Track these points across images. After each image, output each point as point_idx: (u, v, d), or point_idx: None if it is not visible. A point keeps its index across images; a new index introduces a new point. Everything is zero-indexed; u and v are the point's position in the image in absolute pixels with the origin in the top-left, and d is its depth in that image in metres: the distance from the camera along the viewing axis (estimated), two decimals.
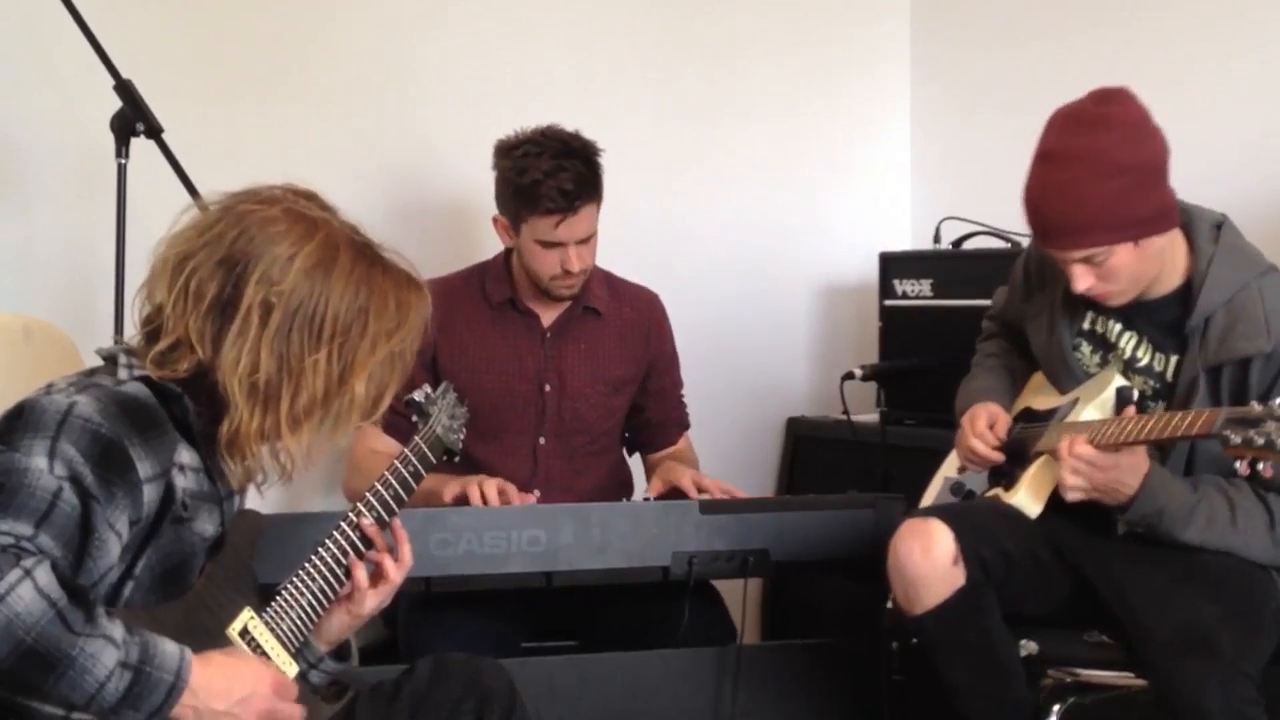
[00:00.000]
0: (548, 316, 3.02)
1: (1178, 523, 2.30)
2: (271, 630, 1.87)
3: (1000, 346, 2.75)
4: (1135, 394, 2.42)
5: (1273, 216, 3.02)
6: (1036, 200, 2.34)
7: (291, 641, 1.90)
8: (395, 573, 2.03)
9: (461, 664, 2.05)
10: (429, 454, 2.17)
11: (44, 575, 1.57)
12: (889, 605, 2.48)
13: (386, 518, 2.04)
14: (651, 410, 3.14)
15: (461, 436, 2.33)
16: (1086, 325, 2.52)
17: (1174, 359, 2.41)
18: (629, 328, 3.08)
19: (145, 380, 1.80)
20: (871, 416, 3.55)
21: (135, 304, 1.87)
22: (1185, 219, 2.40)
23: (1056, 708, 2.46)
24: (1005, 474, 2.55)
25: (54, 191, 3.20)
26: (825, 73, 4.01)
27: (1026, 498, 2.45)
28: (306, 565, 1.95)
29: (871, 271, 3.68)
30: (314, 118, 3.41)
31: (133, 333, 1.88)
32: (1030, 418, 2.59)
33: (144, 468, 1.72)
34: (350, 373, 1.82)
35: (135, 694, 1.61)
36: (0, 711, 1.64)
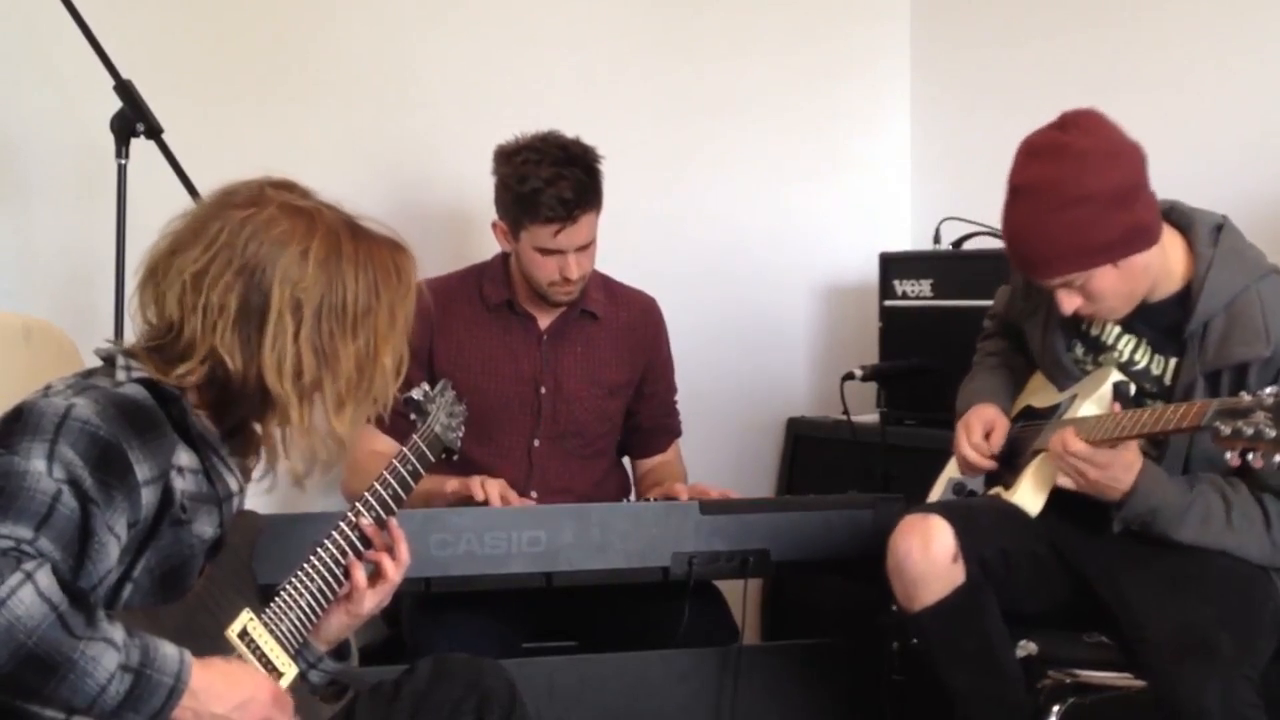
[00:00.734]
0: (544, 319, 3.02)
1: (1172, 521, 2.30)
2: (270, 631, 1.87)
3: (1000, 346, 2.75)
4: (1132, 388, 2.42)
5: (1273, 216, 3.02)
6: (1008, 234, 2.37)
7: (291, 642, 1.90)
8: (394, 572, 2.04)
9: (462, 664, 2.05)
10: (428, 453, 2.17)
11: (45, 578, 1.57)
12: (894, 608, 2.48)
13: (385, 517, 2.04)
14: (644, 415, 3.13)
15: (460, 435, 2.33)
16: (1082, 327, 2.52)
17: (1172, 362, 2.41)
18: (626, 332, 3.08)
19: (143, 382, 1.80)
20: (871, 417, 3.55)
21: (133, 313, 1.87)
22: (1185, 222, 2.40)
23: (1056, 708, 2.46)
24: (1005, 473, 2.55)
25: (54, 191, 3.20)
26: (825, 72, 4.01)
27: (1026, 496, 2.45)
28: (305, 566, 1.95)
29: (871, 272, 3.68)
30: (314, 118, 3.41)
31: (132, 337, 1.88)
32: (1031, 415, 2.59)
33: (142, 470, 1.72)
34: (378, 346, 1.87)
35: (135, 697, 1.61)
36: None
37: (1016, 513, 2.45)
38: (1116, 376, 2.44)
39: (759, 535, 2.72)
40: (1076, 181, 2.26)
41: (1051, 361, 2.54)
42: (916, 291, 3.54)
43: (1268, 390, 2.05)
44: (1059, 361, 2.53)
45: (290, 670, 1.87)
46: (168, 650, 1.65)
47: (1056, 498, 2.43)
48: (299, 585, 1.93)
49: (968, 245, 3.52)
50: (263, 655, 1.84)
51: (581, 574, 2.63)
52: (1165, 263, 2.38)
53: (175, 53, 3.26)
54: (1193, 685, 2.14)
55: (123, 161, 2.84)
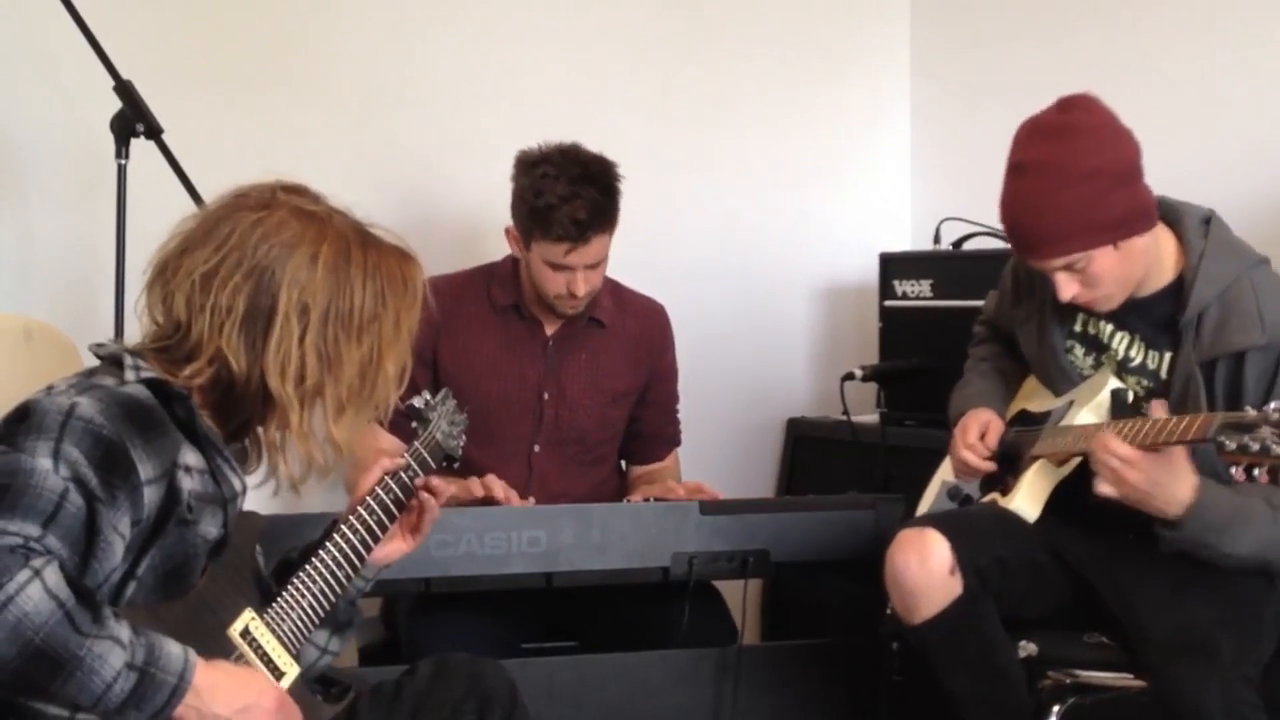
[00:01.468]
0: (551, 325, 3.01)
1: (1227, 533, 2.22)
2: (272, 631, 1.87)
3: (992, 350, 2.75)
4: (1131, 396, 2.42)
5: (1270, 216, 3.02)
6: (1010, 214, 2.35)
7: (293, 642, 1.90)
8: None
9: (462, 664, 2.05)
10: (429, 459, 2.17)
11: (53, 576, 1.57)
12: (889, 611, 2.48)
13: (387, 521, 2.05)
14: (645, 423, 3.13)
15: (461, 443, 2.33)
16: (1078, 327, 2.52)
17: (1167, 355, 2.41)
18: (632, 340, 3.07)
19: (150, 381, 1.80)
20: (871, 417, 3.55)
21: (140, 314, 1.87)
22: (1173, 215, 2.40)
23: (1056, 709, 2.46)
24: (1001, 479, 2.54)
25: (54, 191, 3.20)
26: (825, 73, 4.01)
27: (1024, 502, 2.45)
28: (307, 566, 1.95)
29: (871, 272, 3.68)
30: (314, 118, 3.41)
31: (136, 339, 1.88)
32: (1025, 421, 2.59)
33: (145, 469, 1.73)
34: (381, 354, 1.88)
35: (140, 695, 1.61)
36: (1, 712, 1.63)
37: (1014, 519, 2.44)
38: (1115, 384, 2.43)
39: (759, 535, 2.72)
40: (1082, 159, 2.27)
41: (1050, 364, 2.54)
42: (916, 291, 3.54)
43: (1273, 405, 2.03)
44: (1058, 363, 2.52)
45: (292, 670, 1.87)
46: (172, 649, 1.65)
47: (1056, 499, 2.43)
48: (301, 586, 1.93)
49: (968, 245, 3.52)
50: (265, 655, 1.84)
51: (581, 574, 2.64)
52: (1157, 254, 2.38)
53: (175, 53, 3.26)
54: (1193, 685, 2.14)
55: (123, 162, 2.84)
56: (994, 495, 2.54)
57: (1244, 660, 2.19)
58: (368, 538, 2.01)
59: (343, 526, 2.00)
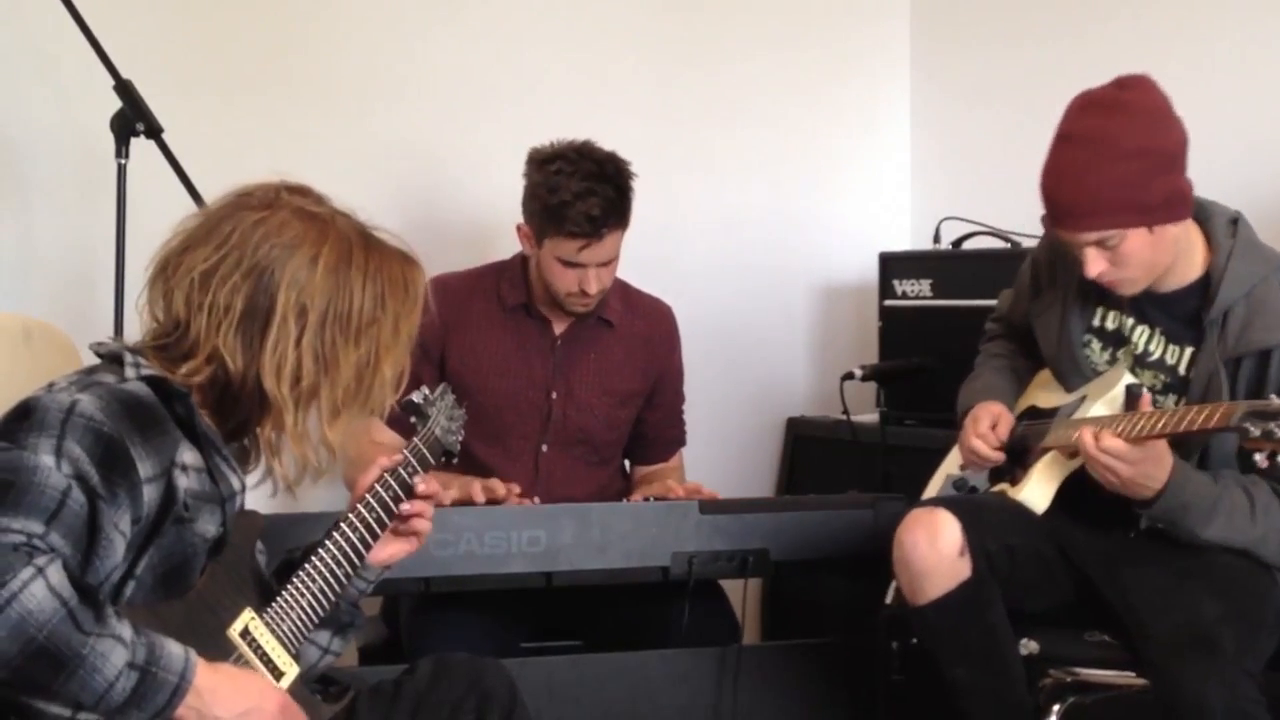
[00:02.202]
0: (560, 325, 3.01)
1: (1201, 518, 2.29)
2: (272, 631, 1.87)
3: (1004, 347, 2.75)
4: (1144, 390, 2.41)
5: (1270, 217, 3.02)
6: (1051, 181, 2.34)
7: (293, 642, 1.90)
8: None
9: (462, 664, 2.05)
10: (428, 455, 2.17)
11: (56, 574, 1.57)
12: (887, 602, 2.48)
13: (386, 519, 2.05)
14: (651, 424, 3.13)
15: (459, 438, 2.33)
16: (1096, 321, 2.52)
17: (1189, 351, 2.41)
18: (640, 341, 3.07)
19: (149, 379, 1.80)
20: (871, 416, 3.55)
21: (140, 314, 1.87)
22: (1202, 213, 2.41)
23: (1056, 707, 2.46)
24: (1009, 471, 2.55)
25: (54, 191, 3.20)
26: (825, 72, 4.01)
27: (1033, 494, 2.45)
28: (307, 566, 1.95)
29: (871, 271, 3.68)
30: (314, 118, 3.41)
31: (136, 338, 1.88)
32: (1035, 415, 2.59)
33: (145, 468, 1.73)
34: (379, 357, 1.87)
35: (141, 694, 1.61)
36: (1, 710, 1.63)
37: (1023, 510, 2.44)
38: (1129, 379, 2.43)
39: (759, 535, 2.72)
40: (1131, 137, 2.27)
41: (1067, 357, 2.53)
42: (916, 291, 3.54)
43: None
44: (1073, 356, 2.52)
45: (291, 670, 1.86)
46: (174, 649, 1.65)
47: (1063, 496, 2.43)
48: (301, 585, 1.93)
49: (967, 245, 3.52)
50: (264, 655, 1.84)
51: (581, 574, 2.64)
52: (1186, 247, 2.38)
53: (175, 53, 3.26)
54: (1195, 682, 2.14)
55: (123, 161, 2.84)
56: (1003, 486, 2.54)
57: (1246, 657, 2.19)
58: (366, 535, 2.01)
59: (342, 525, 1.99)
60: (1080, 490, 2.39)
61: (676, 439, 3.18)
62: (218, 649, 1.78)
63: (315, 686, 2.03)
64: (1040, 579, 2.44)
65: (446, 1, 3.60)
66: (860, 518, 2.76)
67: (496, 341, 2.99)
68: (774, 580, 3.55)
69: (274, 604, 1.90)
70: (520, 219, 2.93)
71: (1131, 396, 2.39)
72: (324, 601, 1.95)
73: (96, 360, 1.87)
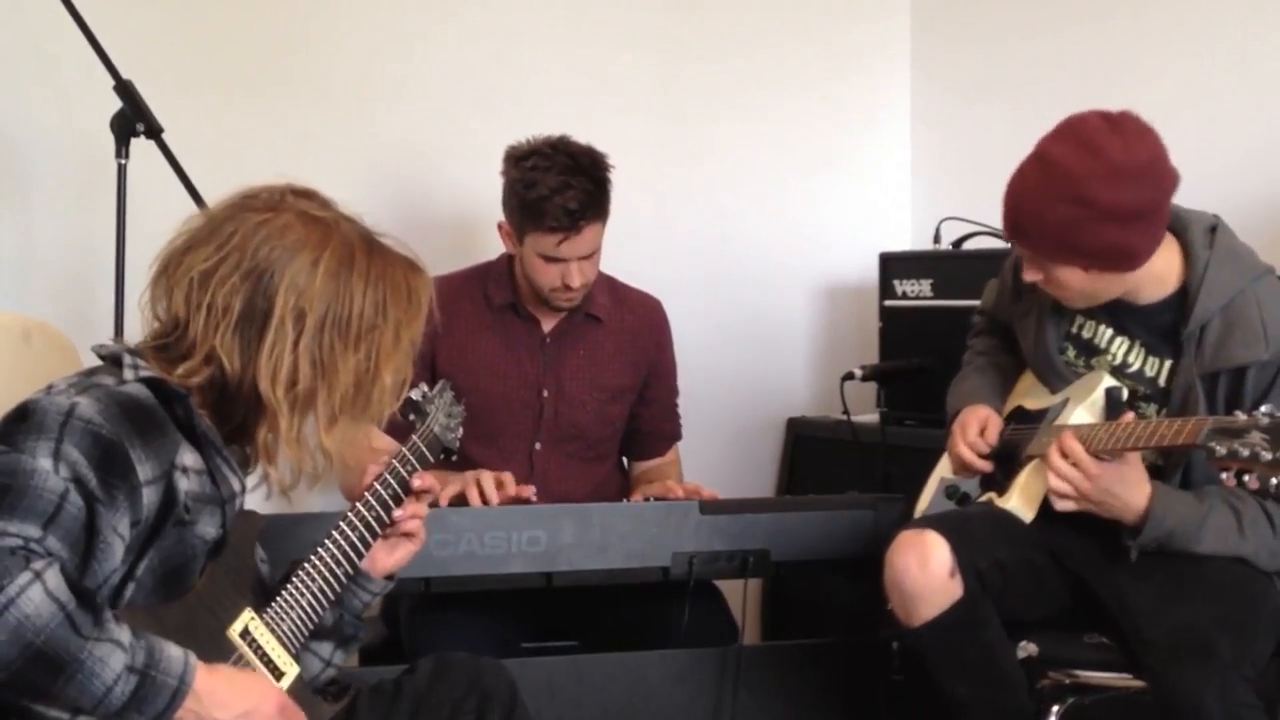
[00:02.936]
0: (548, 322, 3.01)
1: (1189, 540, 2.30)
2: (272, 631, 1.87)
3: (990, 344, 2.75)
4: (1125, 393, 2.41)
5: (1269, 218, 3.02)
6: (1010, 190, 2.36)
7: (292, 642, 1.90)
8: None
9: (462, 664, 2.05)
10: (427, 453, 2.17)
11: (54, 578, 1.57)
12: (889, 607, 2.48)
13: (386, 517, 2.05)
14: (645, 419, 3.13)
15: (459, 435, 2.33)
16: (1074, 330, 2.52)
17: (1168, 364, 2.41)
18: (630, 336, 3.07)
19: (149, 381, 1.80)
20: (871, 417, 3.55)
21: (142, 313, 1.87)
22: (1179, 224, 2.40)
23: (1055, 709, 2.46)
24: (998, 477, 2.54)
25: (54, 191, 3.20)
26: (825, 71, 4.01)
27: (1019, 504, 2.45)
28: (306, 565, 1.95)
29: (871, 271, 3.68)
30: (314, 118, 3.41)
31: (136, 338, 1.88)
32: (1022, 417, 2.58)
33: (144, 470, 1.72)
34: (379, 364, 1.87)
35: (140, 698, 1.61)
36: (1, 713, 1.63)
37: (1011, 520, 2.44)
38: (1109, 381, 2.43)
39: (759, 535, 2.72)
40: (1090, 184, 2.25)
41: (1044, 363, 2.54)
42: (916, 291, 3.54)
43: (1263, 410, 2.04)
44: (1051, 363, 2.53)
45: (292, 670, 1.87)
46: (173, 652, 1.65)
47: (1051, 503, 2.42)
48: (300, 585, 1.93)
49: (968, 245, 3.52)
50: (264, 655, 1.84)
51: (581, 574, 2.63)
52: (1151, 272, 2.37)
53: (175, 53, 3.26)
54: (1192, 686, 2.14)
55: (123, 161, 2.84)
56: (990, 495, 2.54)
57: (1242, 660, 2.18)
58: (366, 534, 2.01)
59: (341, 524, 2.00)
60: (1085, 514, 2.38)
61: (672, 433, 3.18)
62: (218, 649, 1.78)
63: (315, 685, 2.03)
64: (1034, 588, 2.44)
65: (446, 1, 3.60)
66: (860, 518, 2.76)
67: (485, 342, 2.99)
68: (774, 580, 3.55)
69: (274, 604, 1.90)
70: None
71: (1111, 400, 2.39)
72: (324, 601, 1.95)
73: (97, 361, 1.87)
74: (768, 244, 3.95)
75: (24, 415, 1.70)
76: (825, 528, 2.75)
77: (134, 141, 2.84)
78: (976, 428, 2.54)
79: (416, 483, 2.10)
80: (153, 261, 1.87)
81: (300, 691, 1.88)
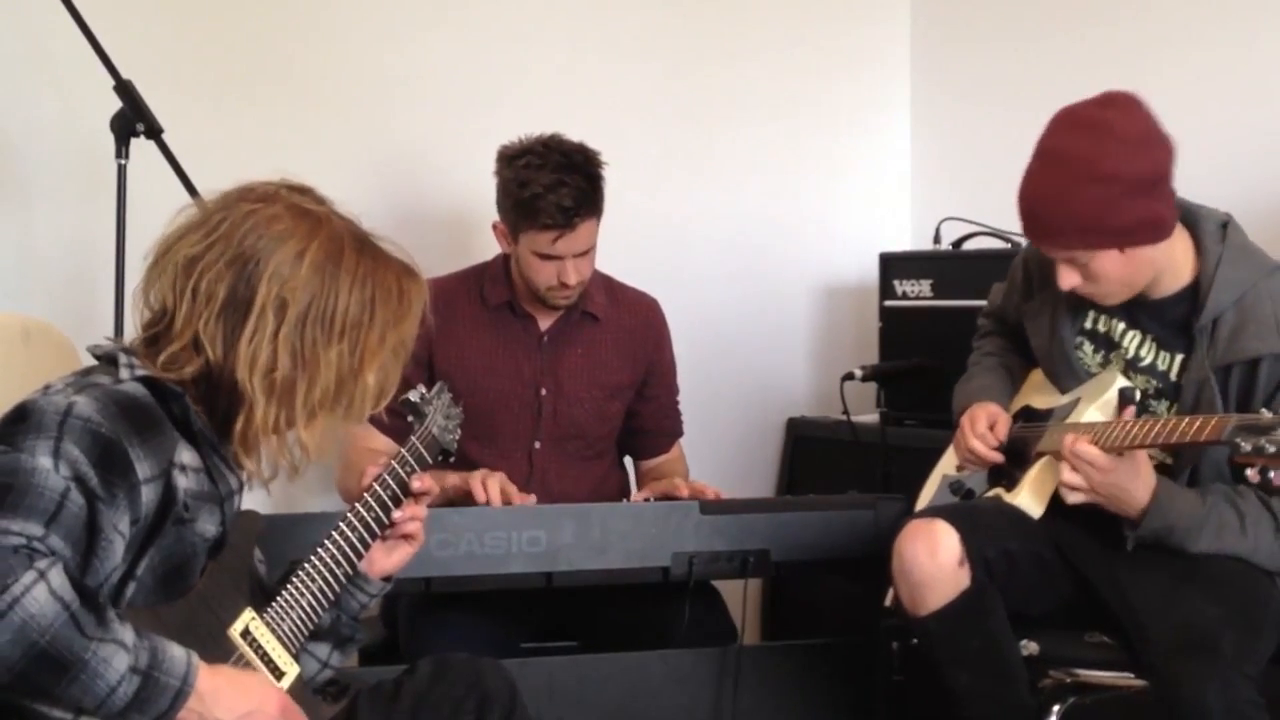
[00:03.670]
0: (545, 321, 3.02)
1: (1188, 536, 2.31)
2: (273, 630, 1.87)
3: (997, 345, 2.75)
4: (1137, 394, 2.42)
5: (1272, 217, 3.02)
6: (1025, 196, 2.35)
7: (292, 642, 1.90)
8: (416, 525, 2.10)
9: (462, 664, 2.05)
10: (425, 454, 2.17)
11: (57, 577, 1.57)
12: (886, 604, 2.48)
13: (385, 519, 2.05)
14: (646, 417, 3.13)
15: (457, 436, 2.33)
16: (1089, 324, 2.52)
17: (1179, 358, 2.41)
18: (627, 334, 3.07)
19: (145, 380, 1.80)
20: (871, 417, 3.55)
21: (135, 305, 1.87)
22: (1191, 218, 2.40)
23: (1056, 708, 2.46)
24: (1005, 474, 2.54)
25: (54, 191, 3.20)
26: (825, 73, 4.01)
27: (1029, 499, 2.45)
28: (306, 565, 1.95)
29: (871, 272, 3.68)
30: (314, 118, 3.41)
31: (132, 334, 1.88)
32: (1030, 416, 2.59)
33: (142, 468, 1.72)
34: (361, 363, 1.85)
35: (143, 699, 1.61)
36: (3, 713, 1.63)
37: (1020, 514, 2.45)
38: (1122, 382, 2.43)
39: (759, 535, 2.72)
40: (1106, 160, 2.26)
41: (1059, 359, 2.54)
42: (916, 291, 3.54)
43: None
44: (1066, 359, 2.52)
45: (292, 670, 1.87)
46: (175, 652, 1.65)
47: (1060, 500, 2.42)
48: (301, 585, 1.93)
49: (968, 245, 3.52)
50: (265, 654, 1.84)
51: (581, 574, 2.63)
52: (1173, 258, 2.38)
53: (175, 53, 3.26)
54: (1194, 684, 2.14)
55: (123, 161, 2.84)
56: (998, 490, 2.54)
57: (1245, 658, 2.19)
58: (365, 534, 2.01)
59: (340, 525, 2.00)
60: (1090, 506, 2.38)
61: (673, 430, 3.19)
62: (218, 649, 1.78)
63: (314, 686, 2.03)
64: (1039, 582, 2.44)
65: (445, 1, 3.60)
66: (860, 518, 2.76)
67: (483, 342, 2.99)
68: (774, 581, 3.55)
69: (274, 603, 1.90)
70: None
71: (1124, 400, 2.39)
72: (324, 601, 1.95)
73: (94, 362, 1.87)
74: (768, 244, 3.95)
75: (22, 415, 1.70)
76: (825, 528, 2.75)
77: (134, 141, 2.84)
78: (986, 422, 2.54)
79: (415, 484, 2.09)
80: (148, 252, 1.87)
81: (300, 692, 1.88)
